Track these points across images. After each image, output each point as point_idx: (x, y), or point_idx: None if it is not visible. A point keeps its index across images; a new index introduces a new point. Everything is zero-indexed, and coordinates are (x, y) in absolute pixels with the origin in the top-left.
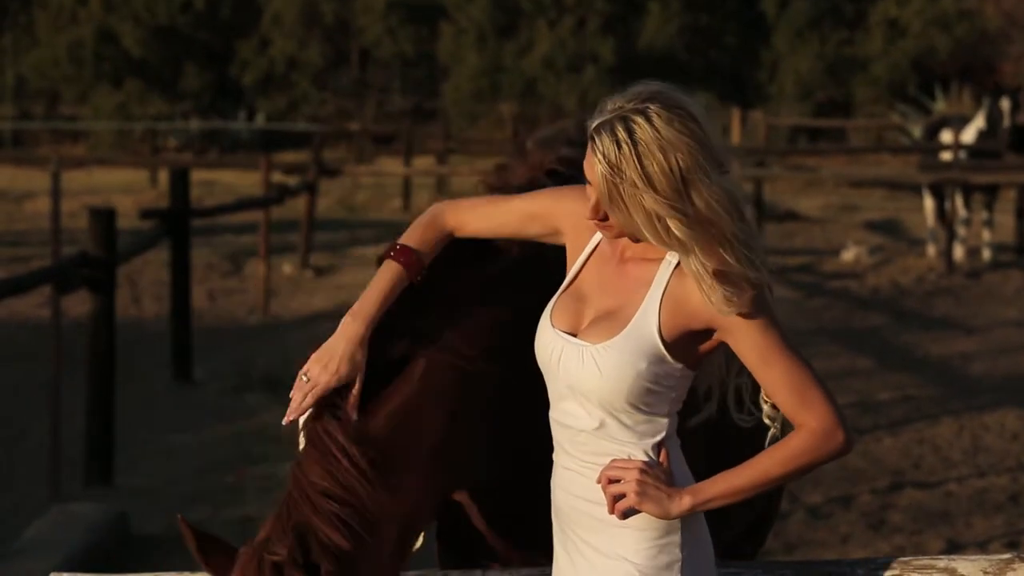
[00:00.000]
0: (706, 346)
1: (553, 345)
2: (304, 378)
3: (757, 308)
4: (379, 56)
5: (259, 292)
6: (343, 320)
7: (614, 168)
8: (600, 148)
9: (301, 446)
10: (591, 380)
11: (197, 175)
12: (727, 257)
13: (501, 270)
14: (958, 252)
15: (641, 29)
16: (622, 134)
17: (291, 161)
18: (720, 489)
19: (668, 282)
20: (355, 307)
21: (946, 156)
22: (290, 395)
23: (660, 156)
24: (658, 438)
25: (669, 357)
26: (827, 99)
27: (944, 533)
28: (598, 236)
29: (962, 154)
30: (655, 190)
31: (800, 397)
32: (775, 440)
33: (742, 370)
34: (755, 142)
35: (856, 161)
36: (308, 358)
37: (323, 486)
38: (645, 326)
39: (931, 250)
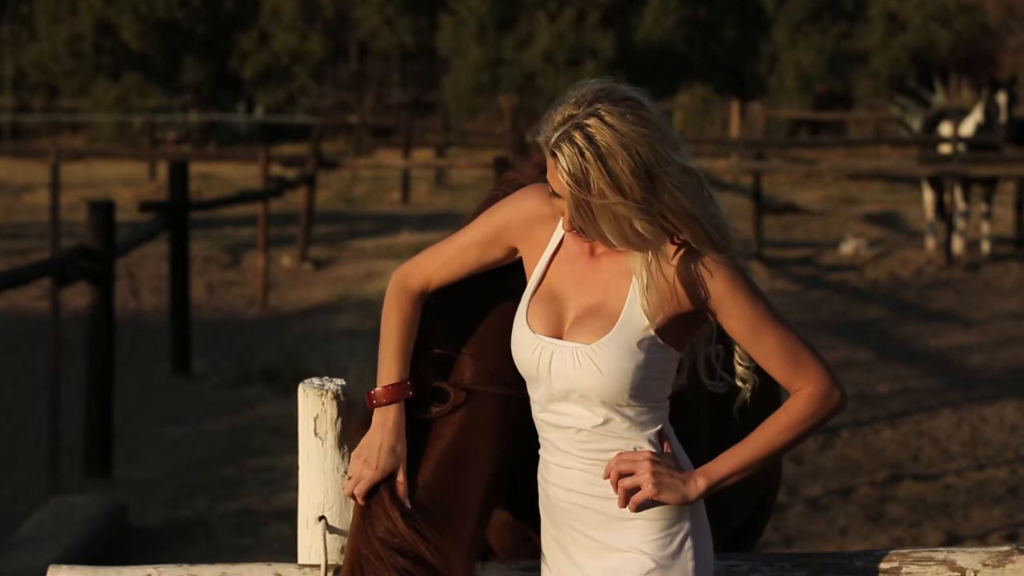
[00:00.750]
0: (693, 327)
1: (538, 350)
2: (347, 477)
3: (738, 283)
4: (378, 48)
5: (258, 285)
6: (374, 415)
7: (581, 182)
8: (564, 163)
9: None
10: (592, 380)
11: (196, 168)
12: (696, 238)
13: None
14: (957, 245)
15: (640, 22)
16: (581, 142)
17: (290, 154)
18: (731, 465)
19: (651, 268)
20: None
21: (945, 149)
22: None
23: (623, 155)
24: (660, 426)
25: (662, 343)
26: (826, 92)
27: (943, 525)
28: (559, 235)
29: (961, 147)
30: (623, 194)
31: (794, 363)
32: (744, 403)
33: (711, 339)
34: (754, 134)
35: (855, 154)
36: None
37: (393, 542)
38: (636, 317)
39: (930, 243)
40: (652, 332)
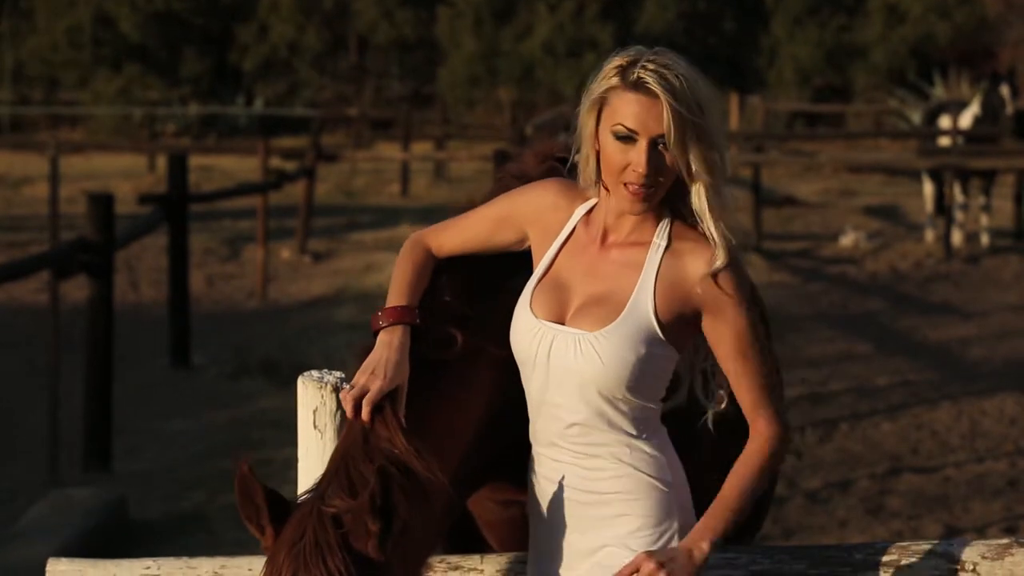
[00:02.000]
0: (693, 329)
1: (539, 335)
2: (348, 387)
3: (744, 294)
4: (376, 41)
5: (257, 277)
6: (380, 336)
7: (682, 99)
8: (663, 80)
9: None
10: (592, 368)
11: (195, 160)
12: (714, 216)
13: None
14: (956, 237)
15: (640, 14)
16: (671, 61)
17: (289, 146)
18: (725, 520)
19: (660, 264)
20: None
21: (944, 141)
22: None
23: (702, 85)
24: (651, 426)
25: (663, 340)
26: (826, 85)
27: (942, 518)
28: (570, 226)
29: (960, 139)
30: (710, 116)
31: (765, 395)
32: (720, 416)
33: (709, 354)
34: (753, 127)
35: (854, 146)
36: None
37: (388, 451)
38: (641, 309)
39: (929, 235)
40: (656, 326)
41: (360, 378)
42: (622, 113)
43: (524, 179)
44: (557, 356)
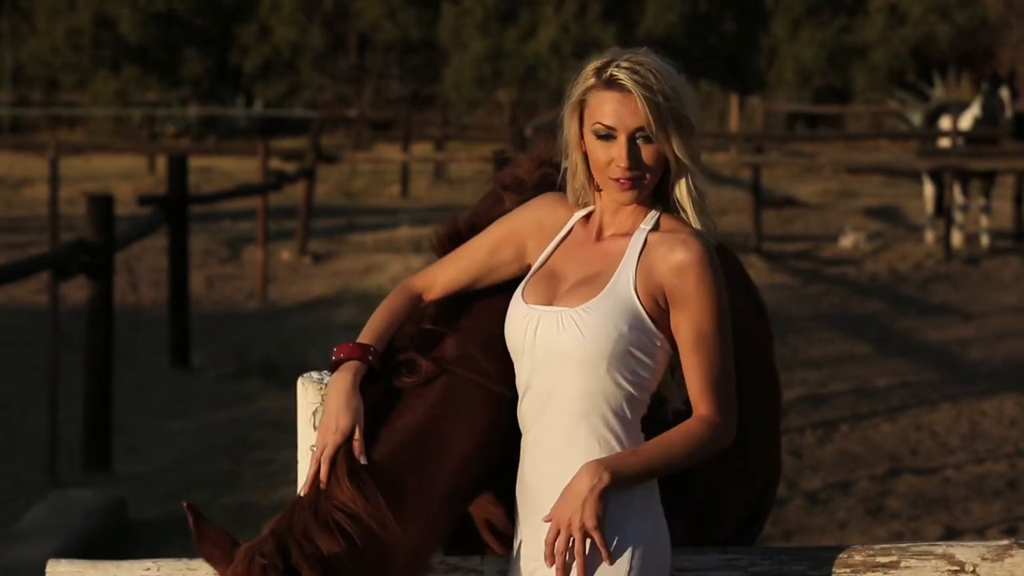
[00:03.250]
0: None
1: (527, 319)
2: (311, 450)
3: (712, 286)
4: (378, 41)
5: (257, 278)
6: (333, 377)
7: (655, 89)
8: (638, 77)
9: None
10: (574, 342)
11: (195, 161)
12: (691, 206)
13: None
14: (956, 238)
15: (641, 15)
16: (643, 58)
17: (289, 147)
18: (629, 463)
19: (643, 245)
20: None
21: (944, 143)
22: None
23: (676, 76)
24: (633, 419)
25: (648, 320)
26: (826, 86)
27: (942, 519)
28: (569, 224)
29: (960, 141)
30: (687, 105)
31: (715, 389)
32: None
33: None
34: (753, 128)
35: (854, 147)
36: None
37: (335, 497)
38: (622, 287)
39: (929, 236)
40: (639, 305)
41: (319, 439)
42: (600, 112)
43: (518, 185)
44: (542, 335)
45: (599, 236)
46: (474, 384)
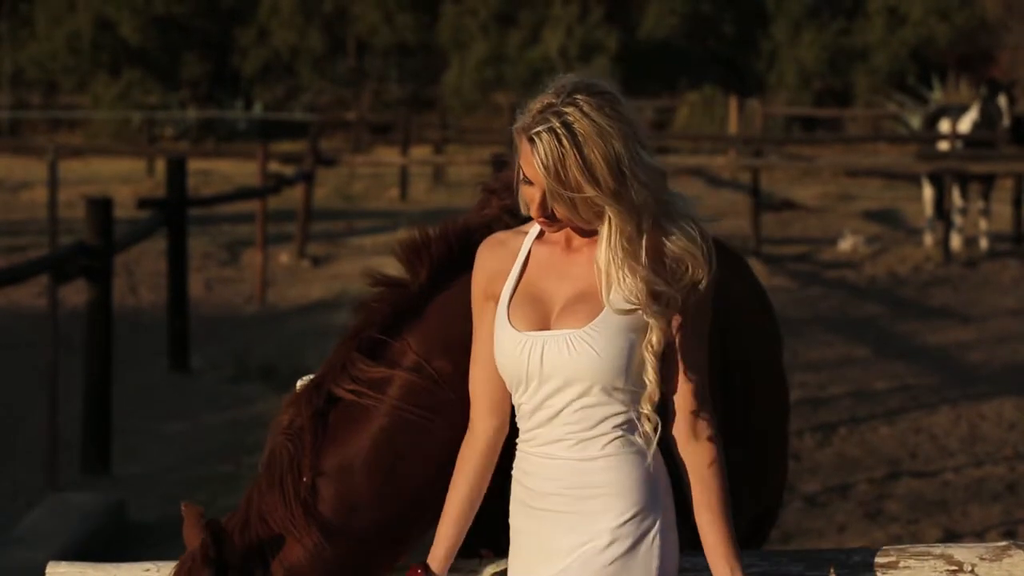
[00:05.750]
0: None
1: (527, 347)
2: None
3: (704, 303)
4: (377, 44)
5: (256, 281)
6: None
7: (557, 167)
8: (541, 149)
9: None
10: (589, 363)
11: (194, 164)
12: (660, 239)
13: None
14: (955, 242)
15: (643, 18)
16: (560, 129)
17: (288, 150)
18: (734, 544)
19: None
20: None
21: (943, 146)
22: None
23: (600, 144)
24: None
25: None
26: (826, 88)
27: (941, 522)
28: (524, 249)
29: (959, 144)
30: (596, 184)
31: (701, 400)
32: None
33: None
34: (752, 131)
35: (853, 151)
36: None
37: (264, 507)
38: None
39: (928, 239)
40: (640, 311)
41: None
42: (523, 159)
43: (506, 189)
44: (551, 360)
45: (569, 246)
46: (426, 390)
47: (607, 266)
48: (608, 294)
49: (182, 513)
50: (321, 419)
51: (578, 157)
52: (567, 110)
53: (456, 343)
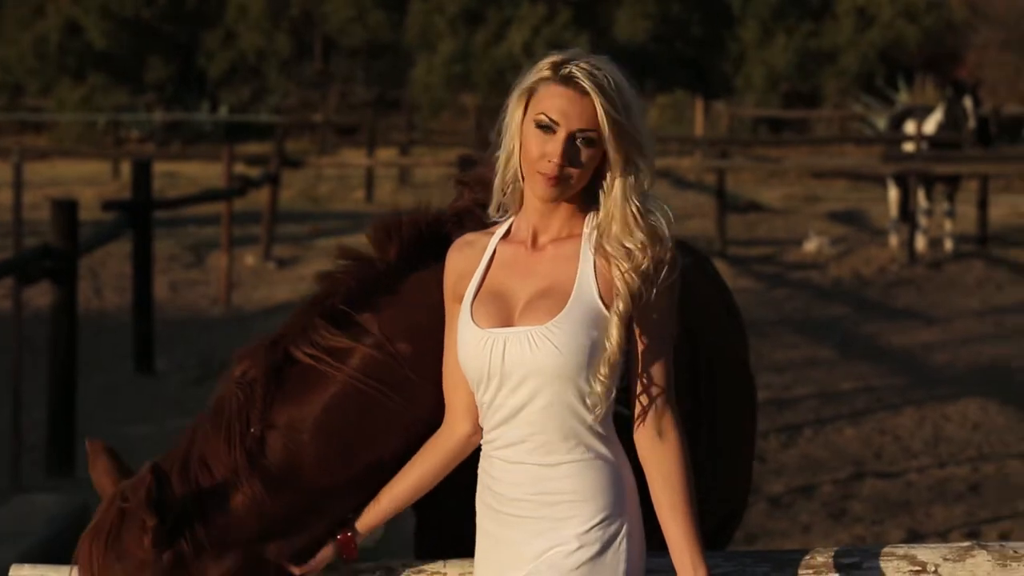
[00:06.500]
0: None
1: (489, 343)
2: None
3: (668, 288)
4: (344, 45)
5: (221, 283)
6: None
7: (611, 98)
8: (593, 81)
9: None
10: (551, 359)
11: (160, 167)
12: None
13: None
14: (920, 243)
15: (611, 20)
16: (600, 70)
17: (254, 152)
18: (701, 545)
19: (595, 252)
20: None
21: (909, 147)
22: None
23: (630, 91)
24: (607, 424)
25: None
26: (793, 91)
27: (905, 523)
28: (490, 249)
29: (924, 145)
30: (634, 121)
31: (668, 398)
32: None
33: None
34: (718, 132)
35: (819, 152)
36: None
37: (206, 451)
38: (587, 295)
39: (893, 241)
40: (604, 309)
41: None
42: (547, 104)
43: (479, 182)
44: (512, 357)
45: (535, 244)
46: (386, 366)
47: (623, 208)
48: (586, 280)
49: (87, 449)
50: (275, 375)
51: (619, 94)
52: (596, 60)
53: (420, 328)
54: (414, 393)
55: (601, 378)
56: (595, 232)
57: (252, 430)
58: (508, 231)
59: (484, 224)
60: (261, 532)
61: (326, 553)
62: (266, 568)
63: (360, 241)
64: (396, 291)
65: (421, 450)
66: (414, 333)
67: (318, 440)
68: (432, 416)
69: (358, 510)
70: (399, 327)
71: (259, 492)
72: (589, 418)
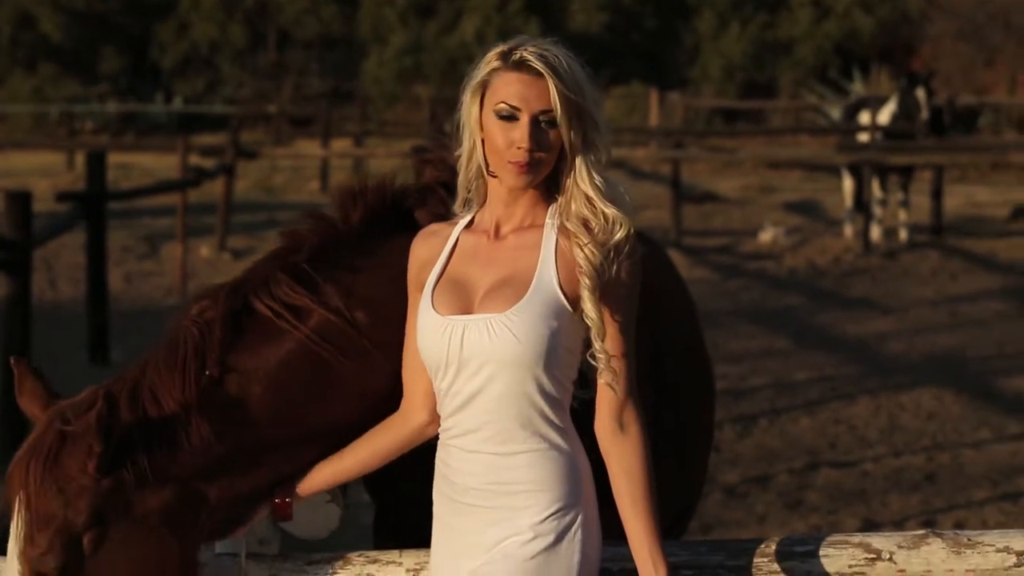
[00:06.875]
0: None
1: (448, 330)
2: None
3: (631, 267)
4: (299, 37)
5: (176, 275)
6: None
7: (564, 77)
8: (544, 62)
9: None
10: (509, 347)
11: (114, 158)
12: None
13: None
14: (875, 233)
15: (563, 11)
16: (549, 52)
17: (209, 143)
18: (656, 532)
19: (556, 240)
20: None
21: (863, 138)
22: None
23: (581, 70)
24: (564, 413)
25: (571, 312)
26: (749, 81)
27: (860, 512)
28: (452, 238)
29: (879, 135)
30: (588, 98)
31: (628, 390)
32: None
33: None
34: (673, 124)
35: (774, 142)
36: None
37: (157, 383)
38: (547, 284)
39: (848, 231)
40: (563, 299)
41: None
42: (504, 92)
43: (441, 163)
44: (470, 345)
45: (497, 234)
46: (343, 333)
47: (583, 184)
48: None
49: (13, 371)
50: (233, 320)
51: (573, 68)
52: (543, 43)
53: (379, 298)
54: (370, 362)
55: (599, 353)
56: (558, 216)
57: (208, 372)
58: (472, 221)
59: (446, 203)
60: (204, 471)
61: (261, 514)
62: (204, 506)
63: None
64: (357, 257)
65: (375, 429)
66: (373, 302)
67: (268, 393)
68: (392, 387)
69: (304, 471)
70: (358, 295)
71: (207, 432)
72: (553, 407)
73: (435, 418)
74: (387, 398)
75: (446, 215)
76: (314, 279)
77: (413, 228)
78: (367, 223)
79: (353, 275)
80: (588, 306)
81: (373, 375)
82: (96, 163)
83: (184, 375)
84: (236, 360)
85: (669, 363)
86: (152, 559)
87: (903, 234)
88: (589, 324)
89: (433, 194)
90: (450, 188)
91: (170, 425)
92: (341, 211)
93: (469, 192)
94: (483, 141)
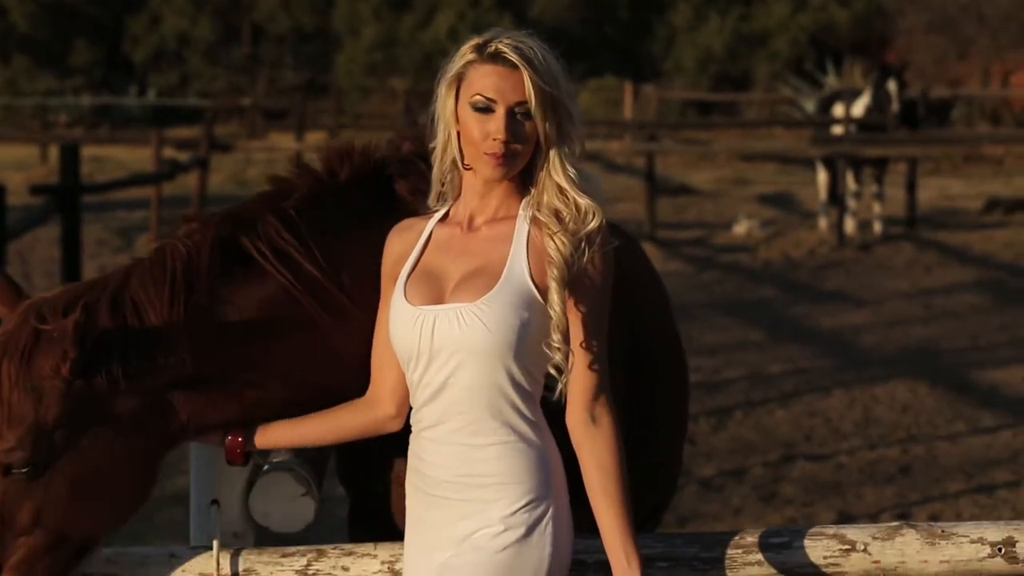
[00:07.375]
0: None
1: (419, 320)
2: None
3: (603, 258)
4: (272, 30)
5: None
6: None
7: (539, 69)
8: (519, 54)
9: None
10: (479, 337)
11: (88, 151)
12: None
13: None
14: (849, 225)
15: (535, 3)
16: (524, 43)
17: (183, 136)
18: (630, 530)
19: (528, 231)
20: None
21: (837, 130)
22: None
23: (554, 61)
24: (535, 406)
25: (543, 304)
26: (722, 73)
27: (835, 505)
28: (426, 232)
29: (853, 128)
30: (563, 90)
31: (602, 382)
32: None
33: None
34: (647, 116)
35: (748, 135)
36: None
37: (141, 296)
38: (517, 275)
39: (822, 223)
40: (534, 291)
41: None
42: (479, 85)
43: (418, 140)
44: (440, 334)
45: (471, 226)
46: (325, 289)
47: (555, 176)
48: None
49: None
50: (221, 250)
51: (549, 67)
52: (517, 35)
53: (360, 261)
54: (349, 323)
55: (555, 344)
56: (531, 207)
57: (195, 295)
58: (447, 214)
59: (424, 175)
60: (175, 384)
61: (213, 439)
62: (173, 415)
63: None
64: (344, 216)
65: (341, 406)
66: (357, 264)
67: (245, 333)
68: (367, 355)
69: (271, 420)
70: (343, 255)
71: (184, 352)
72: (523, 398)
73: (400, 412)
74: (361, 365)
75: (425, 190)
76: (301, 229)
77: (391, 197)
78: (354, 182)
79: (337, 234)
80: (554, 297)
81: (351, 338)
82: (70, 156)
83: (174, 294)
84: (221, 291)
85: (643, 355)
86: (119, 460)
87: (877, 227)
88: (552, 314)
89: (412, 166)
90: (428, 163)
91: (148, 338)
92: (328, 168)
93: (443, 185)
94: (458, 134)
